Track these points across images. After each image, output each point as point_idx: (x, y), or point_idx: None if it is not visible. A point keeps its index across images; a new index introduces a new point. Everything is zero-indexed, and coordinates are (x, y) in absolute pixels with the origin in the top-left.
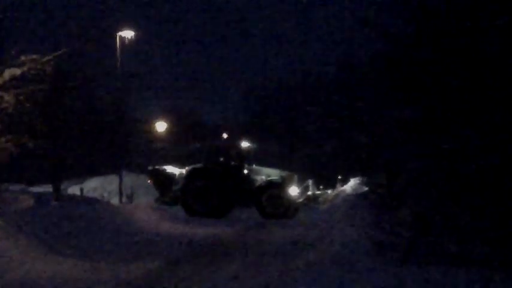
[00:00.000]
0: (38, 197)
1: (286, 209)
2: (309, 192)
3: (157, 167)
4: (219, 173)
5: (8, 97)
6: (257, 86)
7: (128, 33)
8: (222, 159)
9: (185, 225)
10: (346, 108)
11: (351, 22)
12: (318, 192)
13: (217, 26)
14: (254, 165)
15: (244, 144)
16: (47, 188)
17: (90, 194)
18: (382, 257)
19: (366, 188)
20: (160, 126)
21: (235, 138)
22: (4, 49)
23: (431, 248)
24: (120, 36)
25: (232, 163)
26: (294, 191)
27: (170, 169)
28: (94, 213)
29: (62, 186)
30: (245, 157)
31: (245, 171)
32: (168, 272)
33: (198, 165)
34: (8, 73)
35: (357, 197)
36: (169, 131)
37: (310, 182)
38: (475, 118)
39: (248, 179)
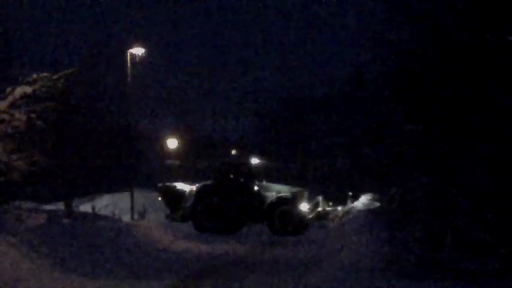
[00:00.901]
0: (50, 214)
1: (296, 226)
2: (319, 209)
3: (167, 183)
4: (230, 190)
5: (19, 115)
6: (267, 103)
7: (138, 50)
8: (232, 176)
9: (198, 243)
10: (356, 124)
11: (359, 36)
12: (328, 208)
13: (228, 43)
14: (264, 182)
15: (255, 160)
16: (59, 206)
17: (102, 212)
18: (394, 273)
19: (378, 204)
20: (172, 143)
21: (245, 155)
22: (15, 67)
23: (443, 263)
24: (131, 53)
25: (242, 180)
26: (304, 207)
27: (180, 186)
28: (106, 231)
29: (74, 204)
30: (255, 174)
31: (255, 188)
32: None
33: (209, 182)
34: (19, 91)
35: (368, 213)
36: (180, 147)
37: (320, 198)
38: (488, 131)
39: (258, 196)
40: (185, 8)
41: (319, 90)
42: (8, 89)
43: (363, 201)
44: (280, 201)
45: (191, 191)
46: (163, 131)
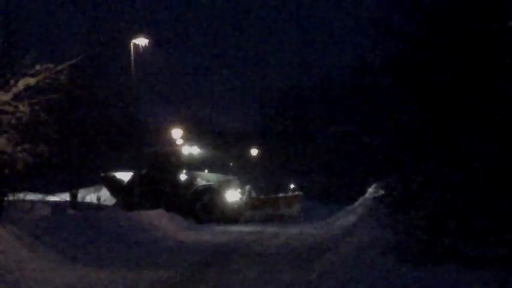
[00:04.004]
0: (55, 205)
1: (221, 214)
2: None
3: (108, 173)
4: (156, 179)
5: (23, 107)
6: (271, 92)
7: (142, 41)
8: (160, 165)
9: (201, 232)
10: (359, 111)
11: (362, 24)
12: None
13: (231, 33)
14: (198, 172)
15: (195, 150)
16: (64, 197)
17: (108, 202)
18: (397, 259)
19: (382, 191)
20: (176, 133)
21: (177, 144)
22: (18, 58)
23: (446, 249)
24: (134, 44)
25: (170, 169)
26: (233, 195)
27: (120, 175)
28: (111, 221)
29: (79, 195)
30: (185, 163)
31: (184, 177)
32: (186, 279)
33: (142, 172)
34: (22, 82)
35: (372, 200)
36: (185, 137)
37: (247, 187)
38: (492, 119)
39: (185, 185)
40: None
41: (320, 78)
42: (12, 81)
43: (370, 190)
44: (204, 189)
45: (129, 180)
46: (168, 121)
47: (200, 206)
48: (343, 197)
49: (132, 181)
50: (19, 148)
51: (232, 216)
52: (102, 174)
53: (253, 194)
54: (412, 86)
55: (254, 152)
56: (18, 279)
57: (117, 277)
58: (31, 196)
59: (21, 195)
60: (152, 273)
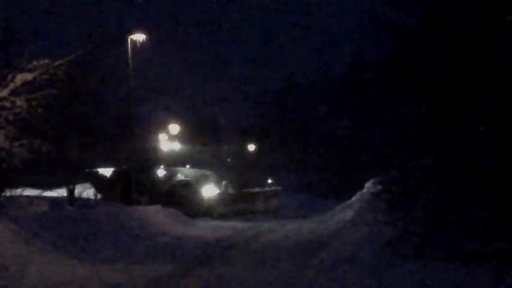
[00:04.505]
0: (53, 201)
1: (197, 209)
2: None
3: (92, 169)
4: (136, 174)
5: (20, 102)
6: (269, 87)
7: (139, 37)
8: (138, 161)
9: (198, 228)
10: (358, 107)
11: (361, 19)
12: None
13: (230, 28)
14: (178, 167)
15: (176, 146)
16: (61, 193)
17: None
18: (396, 254)
19: (380, 186)
20: (174, 128)
21: (155, 140)
22: (15, 54)
23: (445, 244)
24: (132, 40)
25: (148, 165)
26: (210, 190)
27: (103, 171)
28: (108, 217)
29: (76, 191)
30: (163, 159)
31: (163, 173)
32: (184, 274)
33: (122, 168)
34: (19, 78)
35: (370, 195)
36: (182, 133)
37: (224, 182)
38: (489, 114)
39: (164, 180)
40: None
41: (319, 74)
42: (9, 76)
43: (368, 185)
44: (182, 184)
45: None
46: (165, 117)
47: (177, 201)
48: (341, 192)
49: (112, 177)
50: (16, 144)
51: (208, 211)
52: (87, 170)
53: (230, 190)
54: (411, 81)
55: (252, 147)
56: (16, 275)
57: (115, 273)
58: (28, 192)
59: (18, 191)
60: (150, 268)
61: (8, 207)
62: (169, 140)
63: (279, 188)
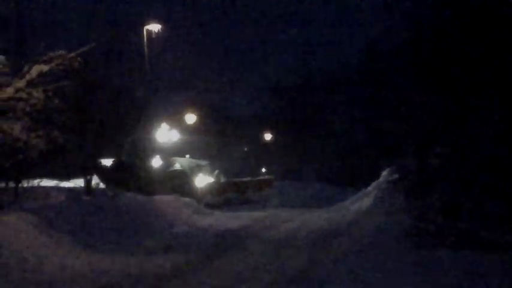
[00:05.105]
0: (70, 192)
1: (190, 196)
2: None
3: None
4: (133, 164)
5: (37, 93)
6: (285, 78)
7: (154, 27)
8: (137, 151)
9: (215, 218)
10: (374, 96)
11: (376, 8)
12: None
13: (243, 17)
14: (175, 157)
15: (176, 135)
16: (79, 183)
17: None
18: (412, 242)
19: (396, 175)
20: (190, 118)
21: (150, 130)
22: (31, 45)
23: (462, 233)
24: (147, 30)
25: (143, 155)
26: (202, 179)
27: (105, 162)
28: (125, 207)
29: (93, 181)
30: (158, 149)
31: (160, 162)
32: (202, 263)
33: (122, 158)
34: (35, 69)
35: (387, 183)
36: (198, 123)
37: (217, 171)
38: (506, 105)
39: (160, 169)
40: None
41: (333, 64)
42: (25, 68)
43: (384, 173)
44: (176, 174)
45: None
46: (181, 107)
47: (170, 189)
48: (358, 180)
49: (112, 167)
50: (33, 135)
51: (199, 199)
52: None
53: (223, 179)
54: (427, 70)
55: (268, 137)
56: (35, 266)
57: (133, 262)
58: (46, 182)
59: (35, 182)
60: (169, 258)
61: (26, 198)
62: (170, 129)
63: (271, 177)
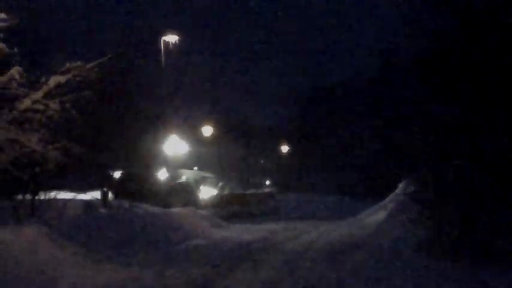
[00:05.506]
0: (86, 204)
1: (195, 207)
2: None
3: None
4: (140, 176)
5: (54, 105)
6: (300, 89)
7: (172, 38)
8: (143, 163)
9: (231, 230)
10: (390, 108)
11: (394, 19)
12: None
13: (262, 28)
14: (183, 169)
15: (185, 148)
16: (95, 195)
17: None
18: (429, 254)
19: (413, 188)
20: (207, 130)
21: (162, 142)
22: (49, 57)
23: (478, 245)
24: (164, 41)
25: (151, 167)
26: (207, 191)
27: (116, 173)
28: (141, 220)
29: (110, 194)
30: (164, 161)
31: (166, 174)
32: (218, 276)
33: (128, 170)
34: (53, 81)
35: (403, 196)
36: (214, 135)
37: (221, 184)
38: None
39: (166, 181)
40: None
41: (350, 75)
42: (42, 79)
43: (401, 186)
44: (181, 186)
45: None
46: (198, 118)
47: (174, 201)
48: (375, 193)
49: (121, 178)
50: (50, 147)
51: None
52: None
53: (226, 191)
54: (444, 82)
55: (285, 149)
56: (51, 279)
57: (149, 275)
58: (63, 195)
59: (52, 194)
60: (185, 271)
61: (42, 211)
62: (181, 141)
63: (273, 190)
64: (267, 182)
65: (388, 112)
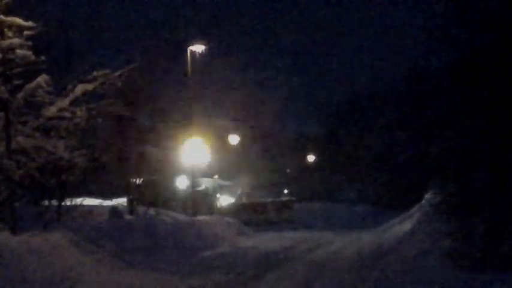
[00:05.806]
0: (112, 211)
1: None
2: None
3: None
4: (159, 183)
5: (80, 112)
6: (329, 100)
7: (198, 47)
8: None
9: (257, 239)
10: (416, 119)
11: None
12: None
13: (290, 40)
14: (203, 178)
15: (203, 158)
16: (122, 202)
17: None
18: (455, 266)
19: (439, 198)
20: (233, 139)
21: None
22: (76, 64)
23: (504, 256)
24: (191, 51)
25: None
26: (225, 199)
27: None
28: (167, 227)
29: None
30: (183, 170)
31: (186, 182)
32: (242, 284)
33: (150, 178)
34: (80, 88)
35: (429, 206)
36: (241, 144)
37: (239, 192)
38: None
39: (185, 189)
40: (247, 4)
41: (379, 85)
42: (69, 87)
43: (427, 196)
44: (198, 194)
45: None
46: (224, 127)
47: (194, 208)
48: (401, 203)
49: (142, 185)
50: (76, 153)
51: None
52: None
53: (245, 199)
54: (472, 93)
55: (311, 158)
56: (76, 285)
57: (174, 282)
58: (89, 201)
59: (78, 201)
60: (209, 278)
61: (68, 217)
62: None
63: (293, 198)
64: (285, 191)
65: (415, 123)
